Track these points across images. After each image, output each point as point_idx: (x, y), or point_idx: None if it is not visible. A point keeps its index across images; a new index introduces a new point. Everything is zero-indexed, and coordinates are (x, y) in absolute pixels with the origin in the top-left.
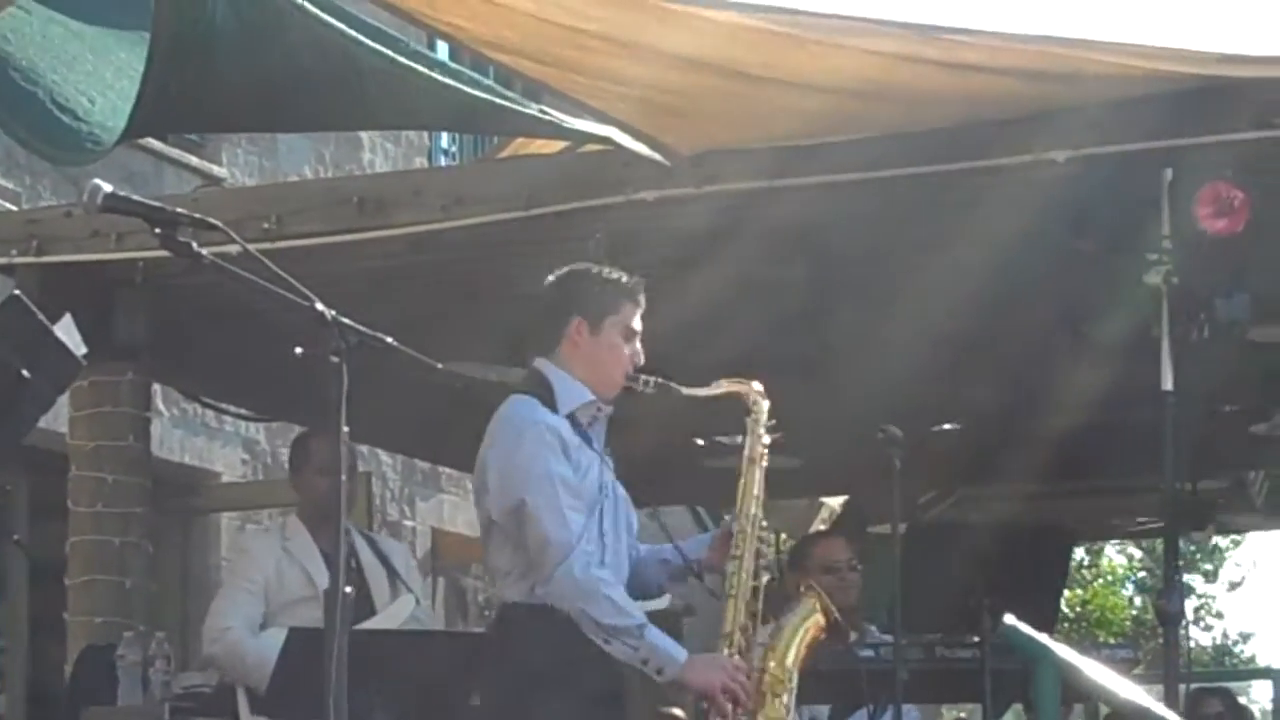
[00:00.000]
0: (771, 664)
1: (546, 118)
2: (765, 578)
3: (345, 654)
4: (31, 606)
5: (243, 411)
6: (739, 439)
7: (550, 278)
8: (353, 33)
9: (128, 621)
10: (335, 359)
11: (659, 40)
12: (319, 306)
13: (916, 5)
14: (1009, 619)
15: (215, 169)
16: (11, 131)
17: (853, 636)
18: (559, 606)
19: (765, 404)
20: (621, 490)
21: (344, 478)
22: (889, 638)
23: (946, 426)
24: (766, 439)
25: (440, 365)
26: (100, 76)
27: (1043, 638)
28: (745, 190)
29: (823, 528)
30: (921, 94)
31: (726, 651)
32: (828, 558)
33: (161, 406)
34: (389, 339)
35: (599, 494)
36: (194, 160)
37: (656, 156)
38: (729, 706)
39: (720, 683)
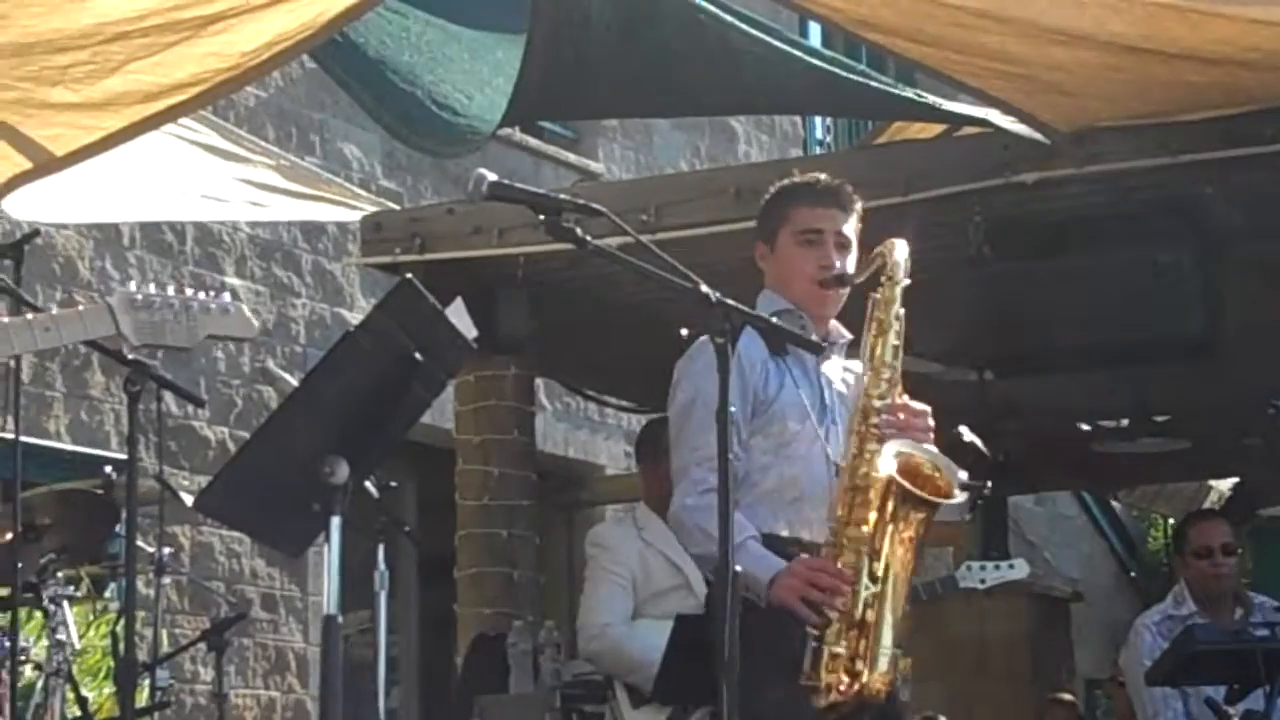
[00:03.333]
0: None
1: (923, 101)
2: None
3: (737, 634)
4: (421, 599)
5: (624, 403)
6: (1122, 423)
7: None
8: (727, 16)
9: (516, 611)
10: (720, 340)
11: (1040, 16)
12: (704, 289)
13: None
14: None
15: (592, 164)
16: (391, 129)
17: (1238, 614)
18: None
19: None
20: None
21: (730, 456)
22: None
23: None
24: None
25: (825, 346)
26: (477, 75)
27: None
28: (1130, 169)
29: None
30: None
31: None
32: (1199, 541)
33: (545, 400)
34: (773, 318)
35: (812, 410)
36: (570, 156)
37: (1037, 135)
38: (817, 618)
39: (797, 592)
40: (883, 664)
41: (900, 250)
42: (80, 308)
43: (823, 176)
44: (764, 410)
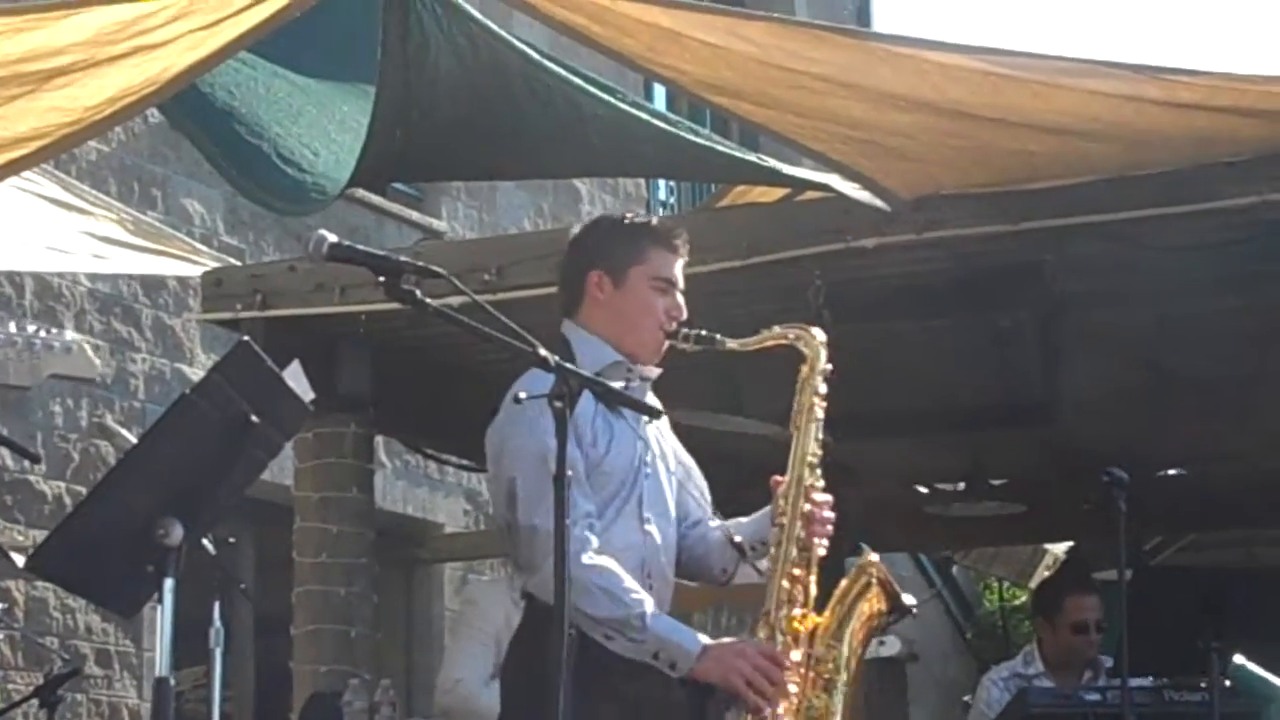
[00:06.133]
0: (820, 648)
1: (766, 165)
2: (820, 550)
3: (570, 698)
4: (257, 656)
5: (464, 462)
6: (958, 486)
7: (572, 231)
8: (576, 79)
9: (353, 670)
10: (559, 404)
11: (881, 82)
12: (542, 352)
13: (1127, 42)
14: (1239, 659)
15: (435, 223)
16: (237, 184)
17: (1086, 676)
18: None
19: (822, 349)
20: (676, 463)
21: (567, 521)
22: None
23: (1173, 471)
24: (822, 388)
25: (664, 413)
26: (324, 129)
27: (1273, 678)
28: (970, 235)
29: (1047, 574)
30: (1146, 134)
31: (762, 635)
32: (1078, 616)
33: (384, 458)
34: (612, 384)
35: (632, 469)
36: (414, 215)
37: (877, 201)
38: (758, 700)
39: (743, 674)
40: None
41: (821, 336)
42: None
43: (655, 221)
44: (594, 470)
